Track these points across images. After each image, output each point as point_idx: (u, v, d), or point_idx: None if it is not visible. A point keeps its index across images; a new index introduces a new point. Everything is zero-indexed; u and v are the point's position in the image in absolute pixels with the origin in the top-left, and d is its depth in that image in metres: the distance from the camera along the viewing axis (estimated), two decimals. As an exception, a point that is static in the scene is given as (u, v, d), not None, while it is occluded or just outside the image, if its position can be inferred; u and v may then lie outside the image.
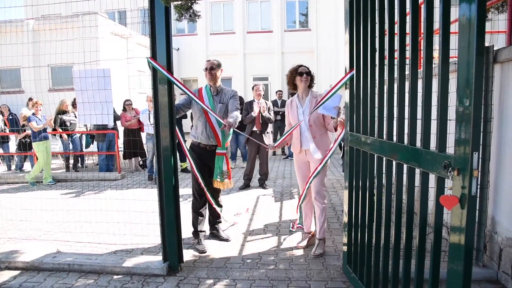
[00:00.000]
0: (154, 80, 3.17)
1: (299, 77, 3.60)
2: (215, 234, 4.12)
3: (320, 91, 3.75)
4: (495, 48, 2.98)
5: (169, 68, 3.15)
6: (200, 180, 3.69)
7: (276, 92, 10.94)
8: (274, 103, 10.42)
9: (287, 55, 17.56)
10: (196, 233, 3.90)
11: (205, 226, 4.02)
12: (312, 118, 3.55)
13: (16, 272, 3.44)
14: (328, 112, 3.30)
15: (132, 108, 8.65)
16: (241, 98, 8.85)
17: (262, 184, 6.57)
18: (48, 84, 12.12)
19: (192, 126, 3.91)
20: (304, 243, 3.81)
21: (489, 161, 3.01)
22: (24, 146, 8.38)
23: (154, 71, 3.15)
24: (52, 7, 12.88)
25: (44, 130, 7.37)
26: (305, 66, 3.67)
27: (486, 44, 3.00)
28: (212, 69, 3.73)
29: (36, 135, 7.26)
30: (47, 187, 7.29)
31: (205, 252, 3.73)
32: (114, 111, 8.58)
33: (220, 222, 4.17)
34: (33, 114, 7.39)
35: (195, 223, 3.90)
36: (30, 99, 9.00)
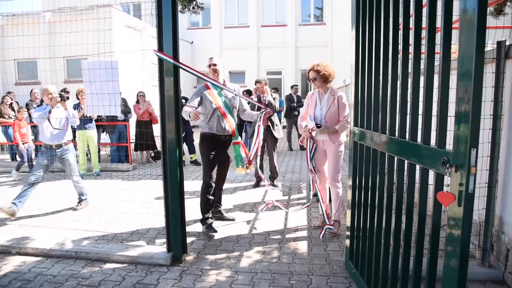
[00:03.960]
0: (161, 72, 3.19)
1: (309, 81, 3.96)
2: (219, 217, 4.36)
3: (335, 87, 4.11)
4: (507, 43, 2.90)
5: (175, 60, 3.16)
6: (212, 170, 4.00)
7: (292, 87, 10.83)
8: (290, 97, 10.36)
9: (301, 49, 17.46)
10: (205, 219, 4.04)
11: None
12: (328, 114, 3.88)
13: (26, 258, 3.54)
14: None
15: (145, 100, 8.75)
16: (249, 91, 8.84)
17: (272, 182, 6.37)
18: (64, 75, 12.33)
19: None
20: (318, 223, 4.23)
21: (498, 159, 2.94)
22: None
23: (161, 63, 3.17)
24: (68, 0, 13.07)
25: (90, 120, 7.35)
26: (313, 70, 3.85)
27: (498, 39, 2.92)
28: (215, 65, 4.04)
29: (79, 124, 7.26)
30: (60, 176, 7.44)
31: (215, 234, 3.95)
32: (127, 105, 8.68)
33: (221, 205, 4.49)
34: (78, 104, 7.41)
35: (203, 210, 4.03)
36: (63, 90, 9.06)
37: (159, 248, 3.54)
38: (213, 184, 3.99)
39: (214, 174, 4.00)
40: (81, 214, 4.76)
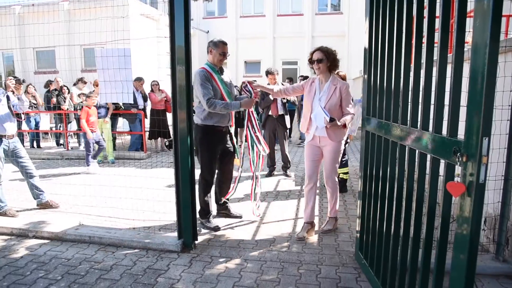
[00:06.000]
0: (172, 61, 3.19)
1: (311, 64, 3.50)
2: (226, 214, 4.17)
3: (349, 78, 3.76)
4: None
5: (187, 48, 3.16)
6: (215, 163, 3.83)
7: (299, 77, 10.81)
8: None
9: (317, 39, 17.20)
10: (206, 213, 3.91)
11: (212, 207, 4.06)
12: (328, 106, 3.43)
13: (42, 241, 3.64)
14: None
15: (159, 88, 8.81)
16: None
17: (285, 172, 6.31)
18: (81, 64, 12.52)
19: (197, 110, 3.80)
20: (302, 234, 3.58)
21: (516, 151, 2.86)
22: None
23: (173, 52, 3.17)
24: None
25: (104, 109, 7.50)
26: (321, 51, 3.45)
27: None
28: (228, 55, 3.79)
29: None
30: (76, 163, 7.59)
31: (219, 229, 3.81)
32: (145, 94, 8.78)
33: (228, 201, 4.20)
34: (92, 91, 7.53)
35: (203, 204, 3.89)
36: (81, 79, 9.22)
37: (170, 234, 3.59)
38: (213, 178, 3.86)
39: (215, 169, 3.87)
40: (95, 201, 4.85)
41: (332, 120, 3.30)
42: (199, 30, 17.26)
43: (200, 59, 16.59)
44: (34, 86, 9.23)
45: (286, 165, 6.28)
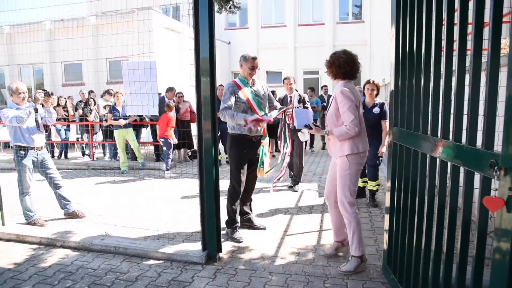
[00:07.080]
0: (197, 73, 3.22)
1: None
2: (249, 225, 4.16)
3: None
4: None
5: (212, 60, 3.18)
6: (242, 171, 3.86)
7: (322, 87, 10.83)
8: (320, 98, 10.37)
9: (339, 48, 16.75)
10: (232, 222, 3.91)
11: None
12: (328, 115, 3.20)
13: (69, 251, 3.71)
14: (298, 125, 3.36)
15: (184, 100, 8.92)
16: (272, 92, 8.72)
17: (294, 184, 6.02)
18: (107, 77, 12.87)
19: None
20: (332, 251, 3.44)
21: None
22: (111, 135, 8.25)
23: (197, 63, 3.20)
24: (113, 4, 13.60)
25: (125, 119, 7.68)
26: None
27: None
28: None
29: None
30: (102, 173, 7.75)
31: (242, 241, 3.78)
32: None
33: (251, 212, 4.24)
34: (114, 105, 7.75)
35: (231, 213, 3.91)
36: (107, 91, 9.39)
37: (194, 246, 3.58)
38: (241, 186, 3.86)
39: (244, 178, 3.88)
40: (120, 211, 4.92)
41: (307, 127, 3.27)
42: (221, 41, 17.49)
43: (222, 69, 16.79)
44: (67, 98, 9.57)
45: (295, 178, 6.02)
